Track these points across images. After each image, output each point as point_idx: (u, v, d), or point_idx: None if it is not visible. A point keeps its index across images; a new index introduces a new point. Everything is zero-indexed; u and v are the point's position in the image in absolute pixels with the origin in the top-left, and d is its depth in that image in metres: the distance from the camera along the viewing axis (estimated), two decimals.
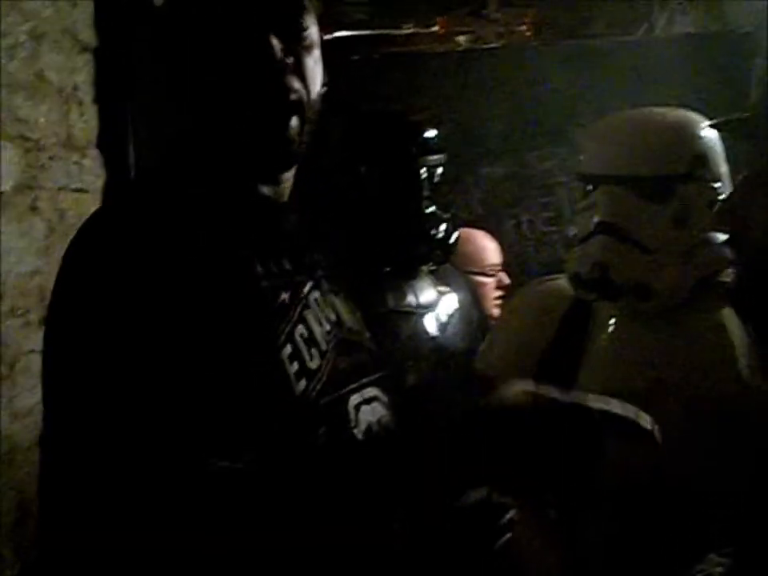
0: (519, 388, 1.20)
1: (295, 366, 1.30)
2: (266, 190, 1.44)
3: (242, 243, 1.33)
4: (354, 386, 1.39)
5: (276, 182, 1.45)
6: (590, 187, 2.03)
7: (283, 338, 1.30)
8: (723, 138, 1.97)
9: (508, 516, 1.38)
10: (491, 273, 3.37)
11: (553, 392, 1.19)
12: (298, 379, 1.29)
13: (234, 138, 1.38)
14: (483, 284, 3.30)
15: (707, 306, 1.95)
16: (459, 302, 2.68)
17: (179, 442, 1.15)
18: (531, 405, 1.17)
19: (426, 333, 2.56)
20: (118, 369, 1.17)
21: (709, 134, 2.01)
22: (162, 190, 1.38)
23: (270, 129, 1.37)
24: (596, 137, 2.09)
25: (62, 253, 1.29)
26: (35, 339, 2.52)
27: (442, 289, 2.65)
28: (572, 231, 2.14)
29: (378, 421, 1.41)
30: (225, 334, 1.22)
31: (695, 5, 5.86)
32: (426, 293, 2.59)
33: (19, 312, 2.57)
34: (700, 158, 1.98)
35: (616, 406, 1.21)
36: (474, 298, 2.84)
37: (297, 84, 1.37)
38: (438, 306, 2.60)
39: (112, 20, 3.17)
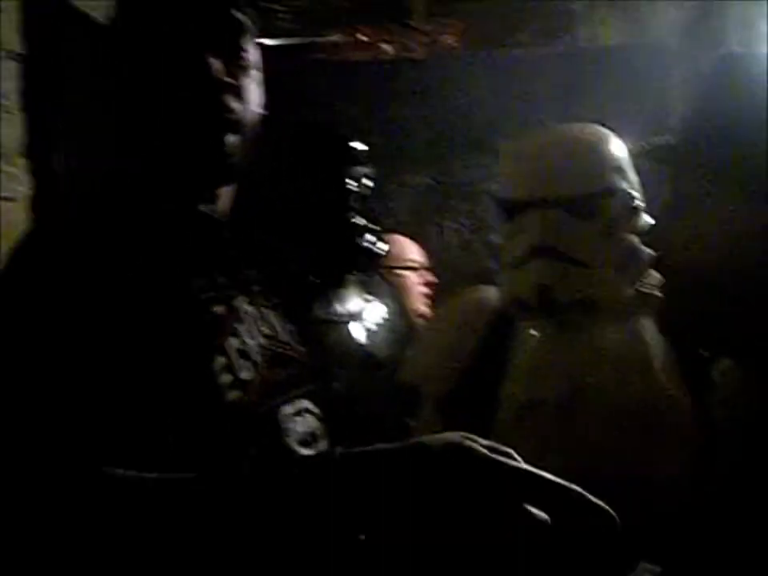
0: (456, 438, 1.12)
1: (228, 377, 1.32)
2: (203, 206, 1.47)
3: (177, 258, 1.35)
4: (285, 397, 1.42)
5: (213, 198, 1.49)
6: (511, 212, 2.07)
7: (216, 350, 1.33)
8: (646, 162, 2.03)
9: None
10: (412, 267, 3.43)
11: (489, 448, 1.08)
12: (231, 390, 1.32)
13: (171, 153, 1.41)
14: (405, 277, 3.37)
15: (626, 316, 2.00)
16: (386, 311, 2.74)
17: (105, 450, 1.17)
18: (464, 457, 1.06)
19: (354, 341, 2.61)
20: (49, 381, 1.18)
21: (621, 145, 2.07)
22: (98, 206, 1.40)
23: (206, 145, 1.40)
24: (515, 162, 2.12)
25: None
26: None
27: (369, 297, 2.71)
28: (494, 240, 2.17)
29: (312, 433, 1.44)
30: (158, 346, 1.25)
31: (618, 17, 5.95)
32: (354, 302, 2.64)
33: None
34: (618, 170, 2.03)
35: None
36: (401, 308, 2.89)
37: (234, 103, 1.41)
38: (364, 315, 2.65)
39: (39, 27, 3.16)
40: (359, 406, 2.54)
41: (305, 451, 1.40)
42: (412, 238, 3.77)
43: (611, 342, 1.99)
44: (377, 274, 2.85)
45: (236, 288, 1.43)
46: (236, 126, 1.41)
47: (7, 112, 3.01)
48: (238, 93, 1.42)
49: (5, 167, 2.97)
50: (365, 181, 2.58)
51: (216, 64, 1.38)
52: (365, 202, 2.62)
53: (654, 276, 1.98)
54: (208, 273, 1.39)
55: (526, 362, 2.05)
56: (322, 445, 1.45)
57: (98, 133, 1.53)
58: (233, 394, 1.32)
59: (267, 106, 1.55)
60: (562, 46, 6.64)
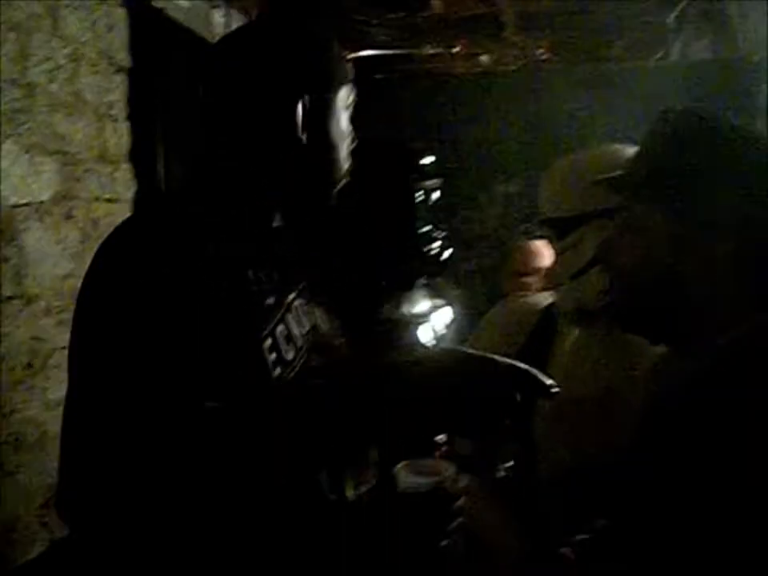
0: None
1: (273, 356, 1.53)
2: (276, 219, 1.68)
3: (240, 257, 1.55)
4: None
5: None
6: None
7: (266, 332, 1.53)
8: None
9: (458, 503, 1.59)
10: (534, 272, 3.63)
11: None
12: (275, 367, 1.53)
13: (274, 178, 1.61)
14: (525, 283, 3.59)
15: None
16: (454, 314, 2.91)
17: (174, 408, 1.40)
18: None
19: (419, 341, 2.78)
20: (133, 350, 1.40)
21: None
22: (184, 209, 1.60)
23: (323, 191, 1.62)
24: (561, 182, 2.22)
25: None
26: (68, 336, 2.73)
27: (437, 302, 2.87)
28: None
29: None
30: (221, 326, 1.46)
31: (709, 31, 6.00)
32: (421, 304, 2.82)
33: (54, 311, 2.79)
34: None
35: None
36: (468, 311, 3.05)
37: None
38: (432, 317, 2.82)
39: (146, 43, 3.38)
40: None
41: None
42: (503, 245, 3.97)
43: (634, 348, 2.06)
44: (445, 279, 3.04)
45: (288, 284, 1.63)
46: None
47: (114, 121, 3.24)
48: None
49: (111, 171, 3.19)
50: (432, 192, 2.77)
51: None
52: (433, 212, 2.80)
53: None
54: (265, 270, 1.59)
55: (564, 363, 2.18)
56: None
57: (198, 145, 1.70)
58: (277, 370, 1.53)
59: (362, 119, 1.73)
60: (655, 58, 6.73)
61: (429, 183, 2.76)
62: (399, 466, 1.57)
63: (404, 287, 2.81)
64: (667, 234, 1.45)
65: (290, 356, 1.57)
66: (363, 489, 1.62)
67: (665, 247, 1.45)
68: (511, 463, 2.48)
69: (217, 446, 1.41)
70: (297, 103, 1.56)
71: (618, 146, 2.19)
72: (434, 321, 2.83)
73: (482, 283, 4.80)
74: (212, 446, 1.41)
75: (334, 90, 1.61)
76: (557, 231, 2.21)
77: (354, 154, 1.67)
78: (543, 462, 2.20)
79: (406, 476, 1.55)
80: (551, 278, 2.31)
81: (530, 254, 3.71)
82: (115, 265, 1.48)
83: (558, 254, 2.23)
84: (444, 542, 1.59)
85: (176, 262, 1.46)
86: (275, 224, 1.67)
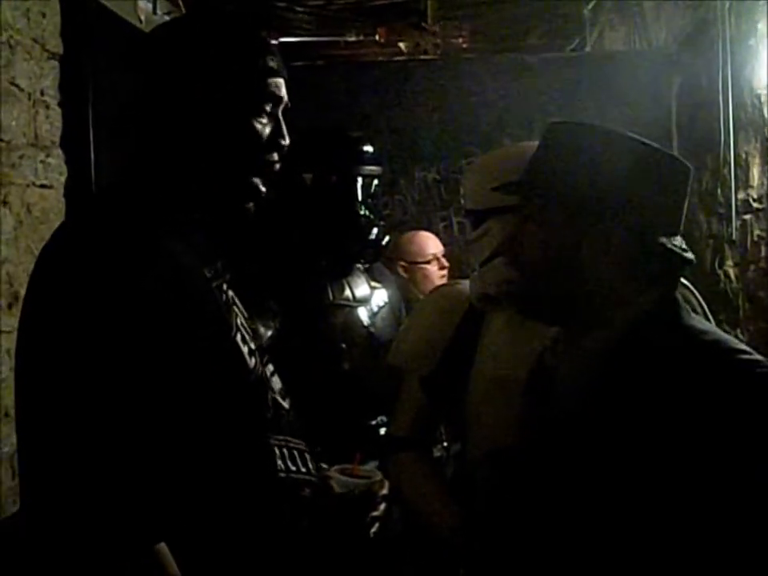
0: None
1: (246, 347, 1.57)
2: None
3: (191, 254, 1.54)
4: (264, 360, 1.67)
5: None
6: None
7: (235, 327, 1.56)
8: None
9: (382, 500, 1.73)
10: (432, 260, 3.95)
11: None
12: (250, 357, 1.57)
13: (200, 177, 1.61)
14: (427, 270, 3.90)
15: None
16: (388, 297, 3.01)
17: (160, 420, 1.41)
18: None
19: (361, 323, 2.88)
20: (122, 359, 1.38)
21: None
22: (124, 208, 1.54)
23: (241, 186, 1.63)
24: (478, 176, 2.39)
25: (28, 243, 1.49)
26: (2, 321, 2.76)
27: (374, 284, 2.98)
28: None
29: (281, 389, 1.70)
30: (198, 327, 1.47)
31: (623, 23, 6.13)
32: (361, 288, 2.92)
33: None
34: None
35: None
36: (400, 294, 3.15)
37: (277, 157, 1.65)
38: (371, 300, 2.93)
39: (76, 30, 3.39)
40: (364, 383, 2.83)
41: (284, 403, 1.67)
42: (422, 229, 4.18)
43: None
44: (381, 263, 3.13)
45: (225, 275, 1.63)
46: (272, 174, 1.65)
47: (47, 107, 3.25)
48: (282, 150, 1.66)
49: (44, 158, 3.20)
50: (372, 179, 2.85)
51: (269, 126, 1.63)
52: (374, 199, 2.89)
53: None
54: (211, 263, 1.59)
55: (492, 346, 2.33)
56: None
57: (128, 133, 1.68)
58: (252, 360, 1.58)
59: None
60: (570, 48, 6.86)
61: (368, 170, 2.85)
62: (332, 469, 1.74)
63: (345, 272, 2.91)
64: (560, 225, 1.66)
65: (253, 345, 1.62)
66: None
67: (559, 238, 1.63)
68: (444, 444, 2.59)
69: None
70: (235, 101, 1.57)
71: (523, 146, 2.34)
72: (372, 304, 2.93)
73: None
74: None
75: (273, 98, 1.63)
76: (472, 222, 2.42)
77: (296, 141, 1.71)
78: (473, 441, 2.33)
79: (344, 479, 1.71)
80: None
81: (424, 243, 3.92)
82: (66, 284, 1.43)
83: (471, 242, 2.43)
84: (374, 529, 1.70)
85: (131, 272, 1.43)
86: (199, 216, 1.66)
